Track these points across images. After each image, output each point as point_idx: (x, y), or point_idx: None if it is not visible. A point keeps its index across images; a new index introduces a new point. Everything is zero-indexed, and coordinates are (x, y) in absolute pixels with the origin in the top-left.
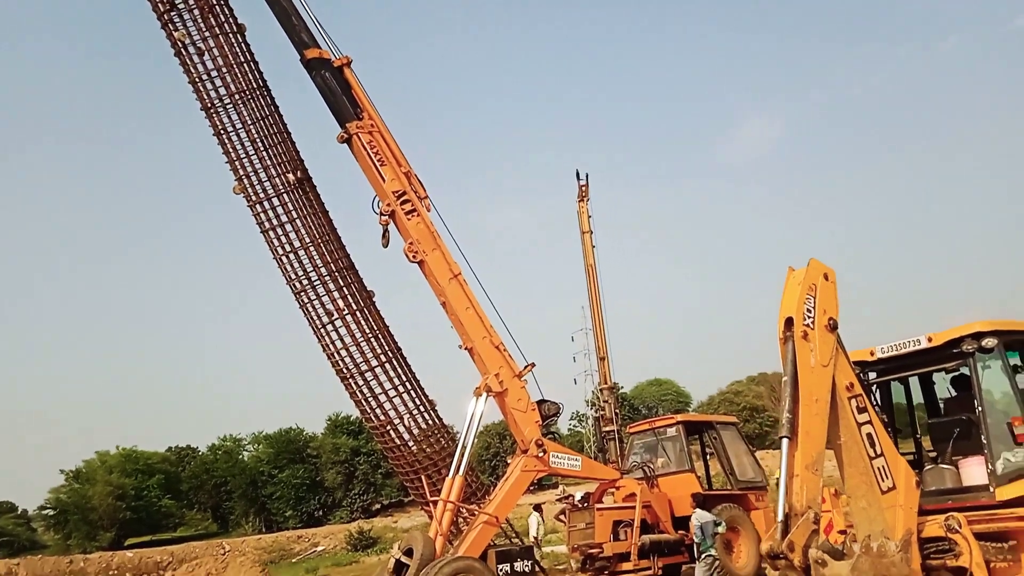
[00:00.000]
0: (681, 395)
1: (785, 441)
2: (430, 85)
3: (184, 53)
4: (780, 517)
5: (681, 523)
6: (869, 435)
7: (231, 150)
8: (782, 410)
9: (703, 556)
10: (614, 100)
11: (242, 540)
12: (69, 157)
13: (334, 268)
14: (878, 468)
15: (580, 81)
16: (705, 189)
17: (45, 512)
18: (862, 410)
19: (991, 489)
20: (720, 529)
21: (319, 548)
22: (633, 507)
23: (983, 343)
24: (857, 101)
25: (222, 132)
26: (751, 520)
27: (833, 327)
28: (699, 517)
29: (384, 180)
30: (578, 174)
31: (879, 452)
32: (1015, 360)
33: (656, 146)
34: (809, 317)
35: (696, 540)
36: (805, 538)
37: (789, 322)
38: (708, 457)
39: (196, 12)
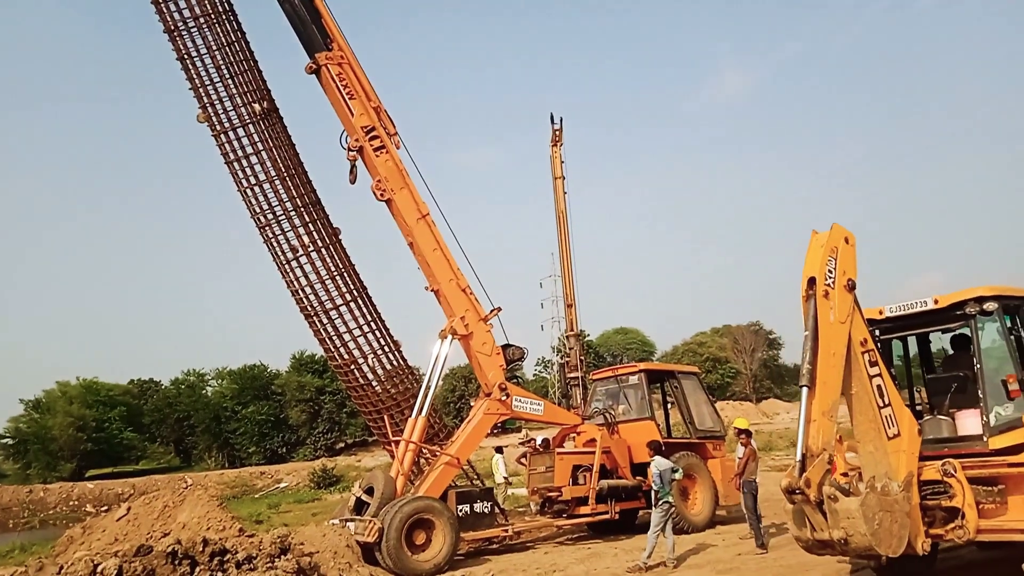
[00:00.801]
0: (646, 344)
1: (804, 390)
2: (402, 19)
3: None
4: (798, 457)
5: (640, 469)
6: (879, 387)
7: (195, 76)
8: (803, 362)
9: (660, 502)
10: (590, 44)
11: (205, 475)
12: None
13: (300, 203)
14: (885, 417)
15: (557, 25)
16: (679, 138)
17: (3, 441)
18: (873, 364)
19: (984, 439)
20: (677, 476)
21: (282, 484)
22: (593, 452)
23: (984, 306)
24: (834, 53)
25: (186, 57)
26: (708, 468)
27: (851, 287)
28: (657, 464)
29: (353, 114)
30: (552, 118)
31: (887, 402)
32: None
33: (631, 93)
34: (830, 278)
35: (654, 487)
36: (820, 476)
37: (812, 281)
38: (669, 406)
39: None
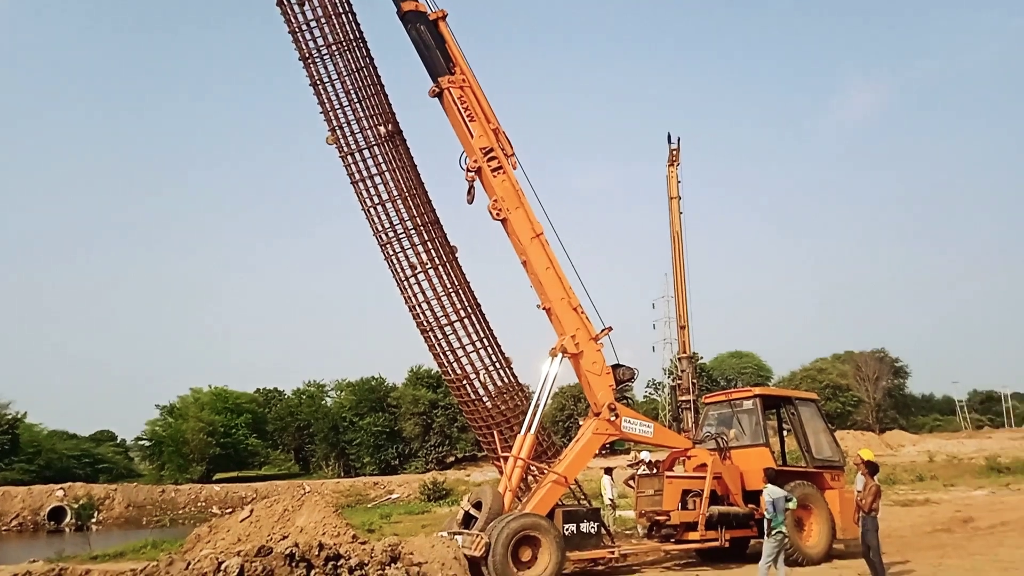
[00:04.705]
0: (762, 369)
1: None
2: (524, 43)
3: (285, 3)
4: None
5: (752, 497)
6: None
7: (326, 101)
8: None
9: (773, 532)
10: (709, 62)
11: (322, 483)
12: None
13: (420, 222)
14: None
15: (677, 42)
16: (802, 158)
17: (141, 443)
18: None
19: None
20: (791, 505)
21: (394, 496)
22: (703, 477)
23: None
24: (969, 72)
25: (318, 83)
26: (825, 499)
27: None
28: (771, 492)
29: (472, 136)
30: (669, 137)
31: None
32: None
33: (753, 113)
34: None
35: (767, 515)
36: None
37: None
38: (785, 433)
39: None
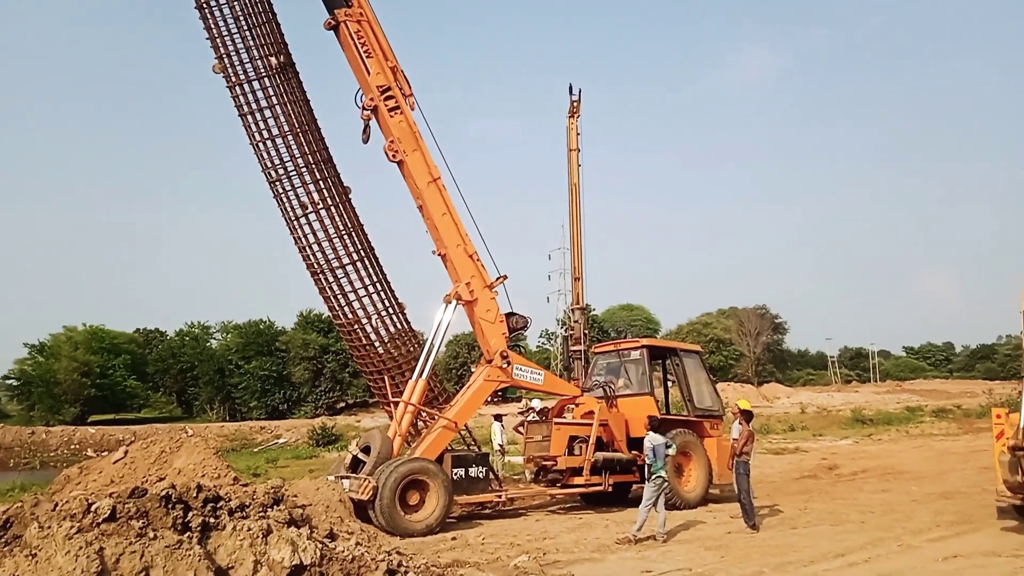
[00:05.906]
0: (651, 321)
1: None
2: None
3: None
4: (1021, 425)
5: (636, 444)
6: None
7: (212, 26)
8: None
9: (653, 477)
10: (612, 16)
11: (205, 427)
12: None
13: (311, 160)
14: None
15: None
16: (697, 117)
17: (9, 382)
18: None
19: None
20: (671, 452)
21: (281, 440)
22: (590, 424)
23: None
24: (861, 40)
25: (204, 6)
26: (704, 447)
27: None
28: (652, 439)
29: (369, 73)
30: (571, 89)
31: None
32: None
33: (651, 69)
34: None
35: (648, 461)
36: None
37: None
38: (669, 383)
39: None
